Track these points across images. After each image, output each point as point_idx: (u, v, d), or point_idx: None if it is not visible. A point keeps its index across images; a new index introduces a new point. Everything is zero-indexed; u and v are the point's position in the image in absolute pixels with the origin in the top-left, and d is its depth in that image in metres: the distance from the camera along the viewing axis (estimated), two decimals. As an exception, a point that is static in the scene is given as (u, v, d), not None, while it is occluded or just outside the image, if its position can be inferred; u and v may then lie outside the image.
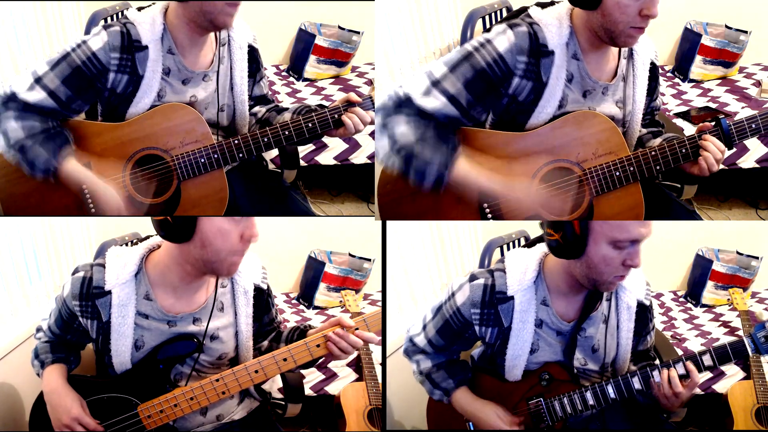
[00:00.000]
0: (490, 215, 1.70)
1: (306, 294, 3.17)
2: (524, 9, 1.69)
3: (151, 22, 1.73)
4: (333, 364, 2.58)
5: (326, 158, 2.87)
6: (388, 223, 2.27)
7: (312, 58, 3.29)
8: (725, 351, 1.58)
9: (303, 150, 2.78)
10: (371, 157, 2.86)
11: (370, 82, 3.21)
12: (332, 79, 3.31)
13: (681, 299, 3.19)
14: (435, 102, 1.62)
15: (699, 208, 3.00)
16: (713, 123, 1.68)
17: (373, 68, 3.32)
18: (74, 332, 1.67)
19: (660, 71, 1.86)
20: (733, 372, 2.50)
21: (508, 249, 2.33)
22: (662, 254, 3.13)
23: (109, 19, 2.36)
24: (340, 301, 3.09)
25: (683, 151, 1.66)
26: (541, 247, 1.67)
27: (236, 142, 1.77)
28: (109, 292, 1.59)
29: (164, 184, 1.78)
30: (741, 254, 3.05)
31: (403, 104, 1.63)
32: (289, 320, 2.99)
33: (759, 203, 3.06)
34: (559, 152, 1.67)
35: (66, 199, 1.77)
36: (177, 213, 1.78)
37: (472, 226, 2.94)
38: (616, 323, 1.66)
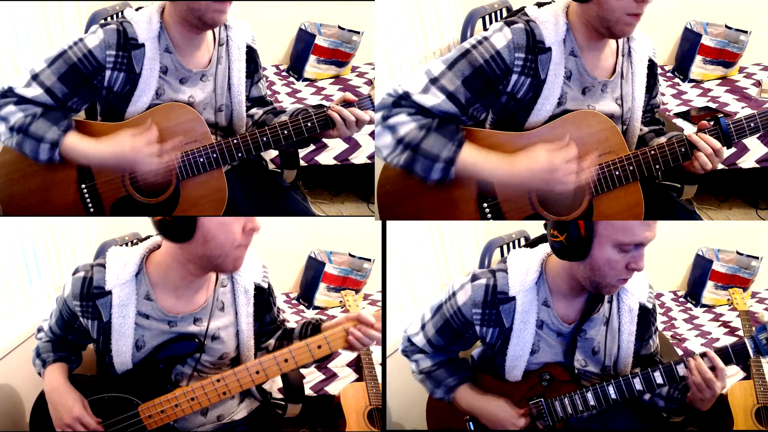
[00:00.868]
0: (489, 215, 1.69)
1: (306, 294, 3.17)
2: (523, 8, 1.70)
3: (147, 20, 1.74)
4: (333, 364, 2.58)
5: (326, 158, 2.87)
6: (388, 223, 2.27)
7: (312, 58, 3.29)
8: (727, 353, 1.58)
9: (303, 150, 2.78)
10: (371, 157, 2.86)
11: (370, 82, 3.21)
12: (332, 79, 3.31)
13: (681, 299, 3.19)
14: (434, 99, 1.62)
15: (699, 208, 3.00)
16: (712, 122, 1.68)
17: (373, 68, 3.32)
18: (75, 332, 1.67)
19: (660, 70, 1.86)
20: (733, 372, 2.50)
21: (508, 249, 2.33)
22: (662, 254, 3.13)
23: (108, 18, 2.36)
24: (340, 301, 3.09)
25: (682, 150, 1.66)
26: (544, 248, 1.67)
27: (235, 141, 1.77)
28: (110, 293, 1.59)
29: (163, 183, 1.78)
30: (741, 254, 3.05)
31: (403, 100, 1.63)
32: (289, 320, 2.99)
33: (759, 203, 3.06)
34: (559, 152, 1.66)
35: (66, 199, 1.77)
36: (176, 213, 1.78)
37: (472, 226, 2.94)
38: (618, 326, 1.66)
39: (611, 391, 1.62)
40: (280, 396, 2.05)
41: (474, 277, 1.66)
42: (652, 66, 1.78)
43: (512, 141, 1.67)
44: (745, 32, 3.15)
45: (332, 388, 2.56)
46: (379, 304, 3.06)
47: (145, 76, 1.74)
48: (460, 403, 1.75)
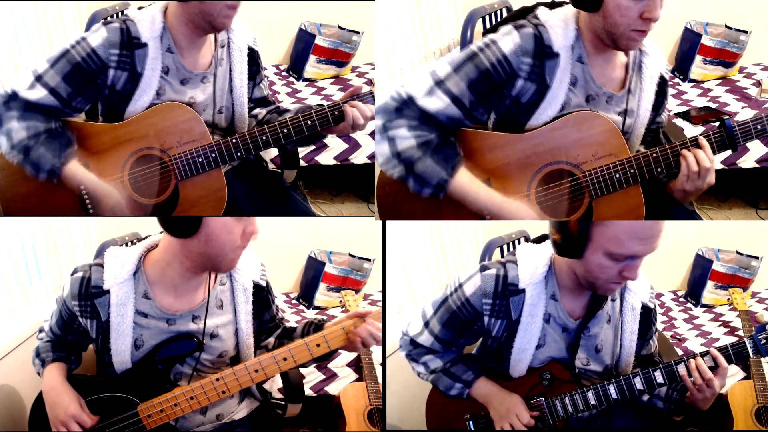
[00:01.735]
0: (488, 216, 1.69)
1: (306, 294, 3.18)
2: (528, 9, 1.68)
3: (150, 20, 1.74)
4: (333, 363, 2.58)
5: (326, 158, 2.87)
6: (388, 223, 2.27)
7: (312, 58, 3.29)
8: (726, 353, 1.58)
9: (303, 150, 2.78)
10: (371, 157, 2.86)
11: (370, 82, 3.21)
12: (332, 79, 3.31)
13: (681, 299, 3.19)
14: (438, 103, 1.61)
15: (699, 208, 3.00)
16: (717, 124, 1.66)
17: (373, 68, 3.32)
18: (74, 333, 1.67)
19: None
20: (733, 372, 2.50)
21: (508, 249, 2.33)
22: (662, 254, 3.10)
23: (109, 17, 2.36)
24: (340, 301, 3.10)
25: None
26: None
27: (234, 141, 1.77)
28: (108, 292, 1.59)
29: (163, 183, 1.78)
30: (741, 254, 3.05)
31: (406, 106, 1.62)
32: (289, 320, 2.99)
33: (759, 203, 3.06)
34: (559, 154, 1.66)
35: (66, 200, 1.77)
36: (175, 213, 1.78)
37: (472, 226, 2.94)
38: (621, 324, 1.66)
39: (612, 391, 1.62)
40: (280, 396, 2.05)
41: (483, 268, 1.66)
42: (662, 84, 1.75)
43: (511, 142, 1.67)
44: (745, 32, 3.15)
45: (332, 388, 2.56)
46: (379, 304, 3.06)
47: (146, 75, 1.74)
48: (479, 395, 1.72)
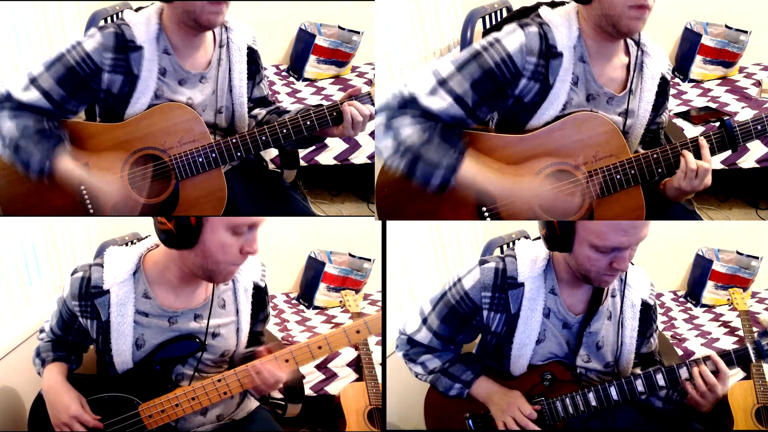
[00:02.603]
0: (488, 216, 1.69)
1: (306, 294, 3.17)
2: (529, 8, 1.68)
3: (145, 22, 1.74)
4: (333, 364, 2.58)
5: (326, 158, 2.87)
6: (388, 223, 2.27)
7: (312, 58, 3.29)
8: (729, 358, 1.58)
9: (303, 150, 2.78)
10: (371, 157, 2.86)
11: (370, 82, 3.21)
12: (332, 79, 3.31)
13: (681, 299, 3.19)
14: (441, 102, 1.61)
15: (699, 208, 3.00)
16: (718, 124, 1.66)
17: (373, 68, 3.32)
18: (75, 333, 1.67)
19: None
20: (733, 372, 2.50)
21: (509, 249, 2.33)
22: (662, 254, 3.13)
23: (109, 19, 2.36)
24: (340, 301, 3.09)
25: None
26: None
27: (234, 141, 1.77)
28: (108, 292, 1.59)
29: (163, 183, 1.78)
30: (741, 254, 3.05)
31: (408, 104, 1.62)
32: (289, 320, 2.99)
33: (759, 203, 3.06)
34: (560, 154, 1.66)
35: (66, 200, 1.77)
36: (175, 213, 1.78)
37: (472, 226, 2.94)
38: (621, 321, 1.66)
39: (613, 392, 1.62)
40: (279, 396, 2.05)
41: (482, 261, 1.66)
42: (664, 84, 1.75)
43: (512, 143, 1.67)
44: (745, 32, 3.15)
45: (332, 388, 2.56)
46: (379, 304, 3.06)
47: (143, 77, 1.74)
48: (479, 394, 1.72)
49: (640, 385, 1.60)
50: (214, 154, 1.77)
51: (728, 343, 2.65)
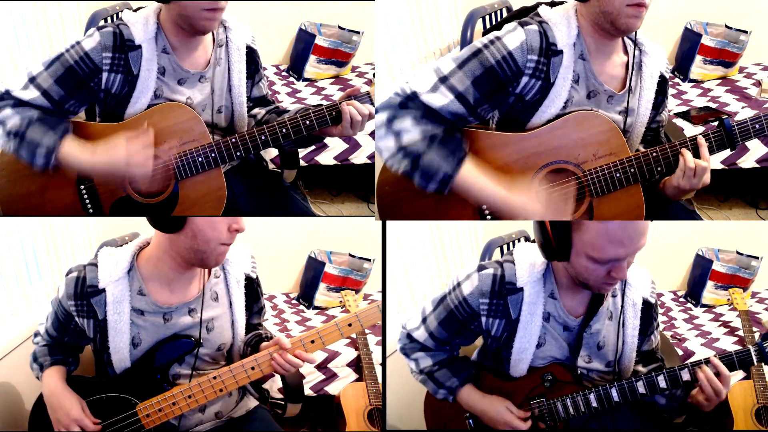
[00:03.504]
0: (489, 216, 1.69)
1: (306, 294, 3.18)
2: (528, 8, 1.69)
3: (144, 22, 1.74)
4: (333, 363, 2.58)
5: (326, 158, 2.87)
6: (388, 223, 2.27)
7: (312, 58, 3.30)
8: (731, 360, 1.58)
9: (303, 150, 2.78)
10: (371, 157, 2.86)
11: (370, 82, 3.21)
12: (332, 79, 3.31)
13: (681, 299, 3.19)
14: (442, 99, 1.61)
15: (699, 208, 3.00)
16: (716, 123, 1.66)
17: (373, 68, 3.32)
18: (71, 333, 1.68)
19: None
20: (733, 372, 2.50)
21: (509, 249, 2.33)
22: (662, 254, 3.13)
23: (108, 19, 2.36)
24: (340, 301, 3.09)
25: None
26: None
27: (234, 140, 1.77)
28: (103, 290, 1.60)
29: (163, 183, 1.78)
30: (741, 254, 3.05)
31: (410, 101, 1.61)
32: (289, 320, 2.99)
33: (759, 203, 3.06)
34: (560, 153, 1.66)
35: (66, 199, 1.77)
36: (175, 213, 1.78)
37: (472, 226, 2.94)
38: (622, 320, 1.66)
39: (614, 394, 1.61)
40: (279, 396, 2.05)
41: (481, 267, 1.66)
42: (663, 82, 1.75)
43: (512, 142, 1.67)
44: (745, 32, 3.15)
45: (332, 388, 2.56)
46: (379, 303, 3.06)
47: (143, 77, 1.74)
48: (463, 404, 1.74)
49: (641, 387, 1.60)
50: (214, 154, 1.77)
51: (728, 343, 2.65)
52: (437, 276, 2.73)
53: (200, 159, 1.77)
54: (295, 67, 3.35)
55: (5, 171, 1.77)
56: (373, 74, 3.24)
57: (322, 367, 2.57)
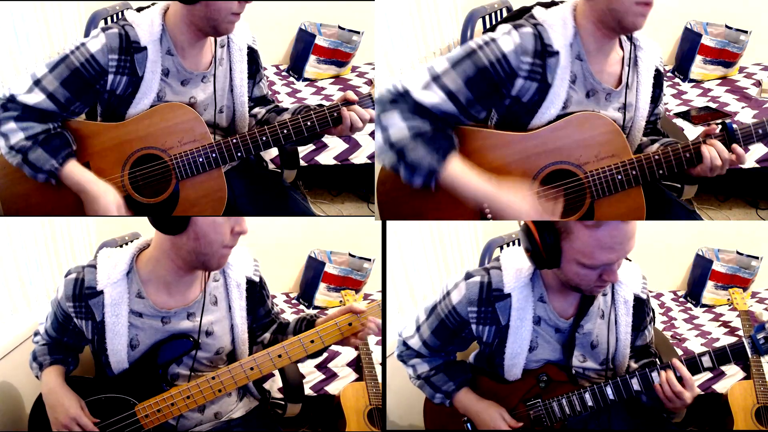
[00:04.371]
0: (489, 216, 1.69)
1: (306, 294, 3.18)
2: (526, 9, 1.68)
3: (149, 23, 1.73)
4: (333, 363, 2.58)
5: (326, 158, 2.87)
6: (388, 223, 2.27)
7: (312, 58, 3.29)
8: (724, 352, 1.58)
9: (303, 150, 2.78)
10: (371, 157, 2.86)
11: (370, 82, 3.21)
12: (332, 79, 3.31)
13: (681, 299, 3.19)
14: (433, 97, 1.60)
15: (699, 208, 3.00)
16: (719, 126, 1.66)
17: (373, 68, 3.32)
18: (70, 334, 1.68)
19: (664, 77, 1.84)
20: (733, 372, 2.50)
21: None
22: (662, 254, 3.13)
23: (109, 19, 2.36)
24: (340, 301, 3.10)
25: (687, 155, 1.63)
26: None
27: (234, 141, 1.77)
28: (102, 292, 1.59)
29: (163, 183, 1.78)
30: (741, 254, 3.05)
31: (400, 98, 1.61)
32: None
33: (759, 203, 3.06)
34: (561, 154, 1.66)
35: (66, 199, 1.77)
36: (176, 213, 1.78)
37: (472, 226, 2.94)
38: (614, 318, 1.66)
39: (609, 392, 1.62)
40: (279, 395, 2.05)
41: (468, 275, 1.66)
42: (658, 76, 1.75)
43: (513, 142, 1.67)
44: (745, 32, 3.15)
45: (332, 388, 2.56)
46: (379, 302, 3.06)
47: (147, 78, 1.74)
48: (459, 407, 1.75)
49: (636, 384, 1.61)
50: (215, 154, 1.77)
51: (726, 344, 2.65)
52: (437, 276, 2.73)
53: (201, 159, 1.77)
54: (295, 67, 3.35)
55: (6, 171, 1.77)
56: (374, 75, 3.24)
57: (322, 366, 2.57)
